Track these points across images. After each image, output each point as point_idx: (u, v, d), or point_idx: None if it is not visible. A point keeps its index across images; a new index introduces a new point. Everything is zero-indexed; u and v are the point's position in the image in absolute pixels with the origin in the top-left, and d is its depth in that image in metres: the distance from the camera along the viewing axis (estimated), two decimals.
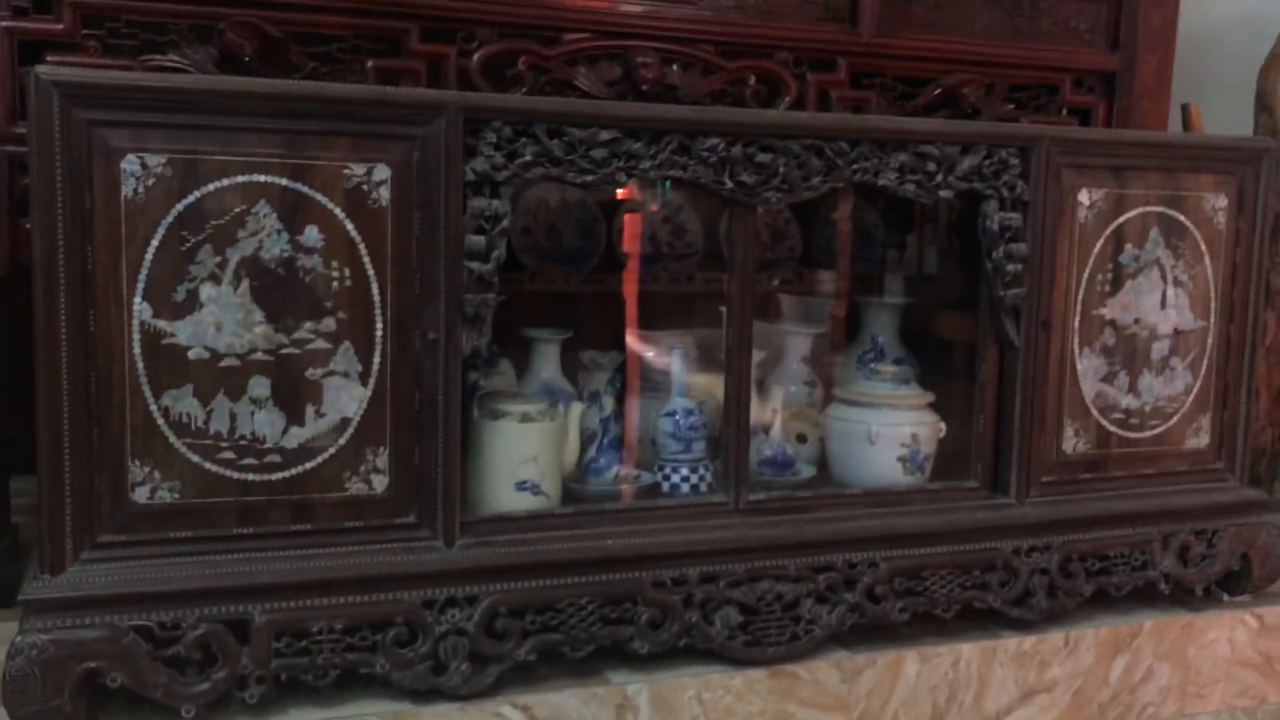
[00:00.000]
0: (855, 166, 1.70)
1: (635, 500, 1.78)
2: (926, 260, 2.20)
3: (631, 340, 2.03)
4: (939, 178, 1.74)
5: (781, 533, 1.69)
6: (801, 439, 2.00)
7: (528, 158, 1.52)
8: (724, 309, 1.71)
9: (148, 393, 1.39)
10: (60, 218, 1.33)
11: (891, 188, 1.72)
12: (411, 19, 1.91)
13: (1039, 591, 1.81)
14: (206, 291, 1.40)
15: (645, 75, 2.03)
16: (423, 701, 1.50)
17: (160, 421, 1.40)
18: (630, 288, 2.09)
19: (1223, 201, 1.92)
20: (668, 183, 2.11)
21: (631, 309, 2.09)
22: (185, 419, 1.41)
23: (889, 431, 1.85)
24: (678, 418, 1.83)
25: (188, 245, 1.39)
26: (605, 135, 1.56)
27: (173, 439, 1.41)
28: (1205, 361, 1.94)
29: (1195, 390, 1.94)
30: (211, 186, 1.39)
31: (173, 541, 1.42)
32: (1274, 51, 2.57)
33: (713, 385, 1.86)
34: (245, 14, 1.79)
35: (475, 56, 1.95)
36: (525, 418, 1.66)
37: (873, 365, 2.01)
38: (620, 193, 2.11)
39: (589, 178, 1.56)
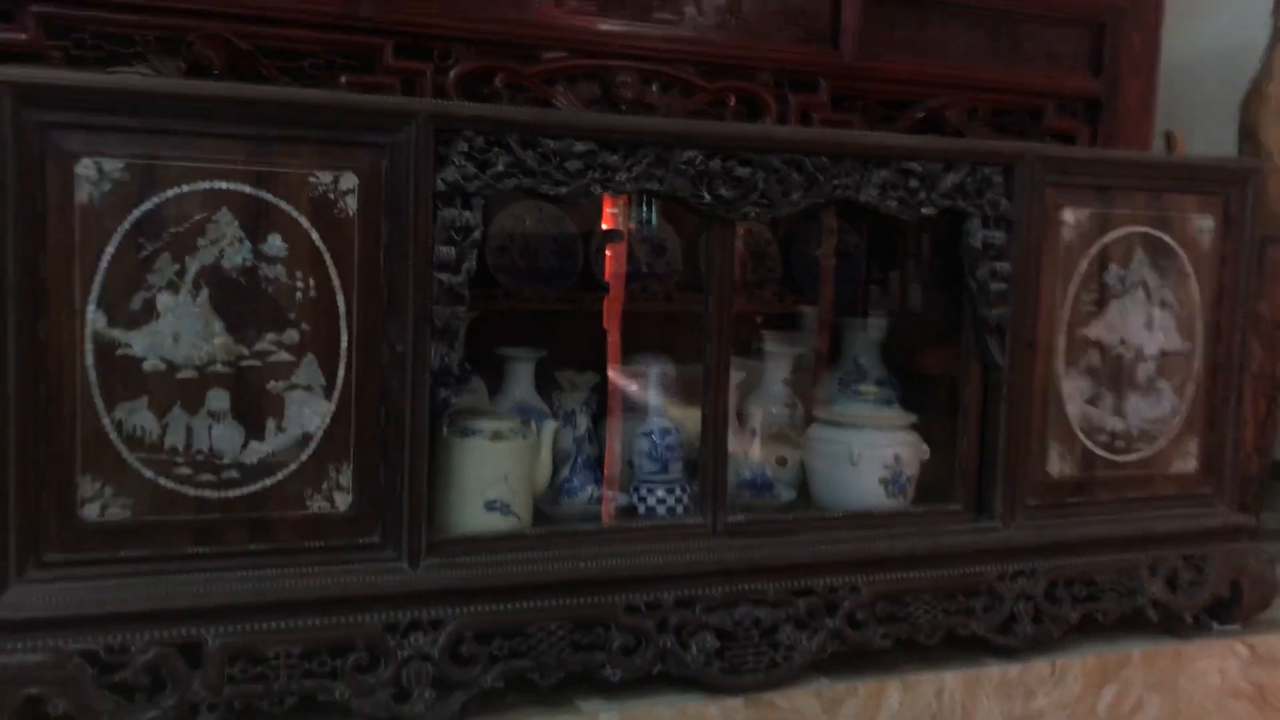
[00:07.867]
0: (836, 182, 1.67)
1: (609, 522, 1.72)
2: (909, 297, 2.16)
3: (609, 361, 1.98)
4: (921, 194, 1.71)
5: (760, 556, 1.64)
6: (781, 461, 1.96)
7: (500, 168, 1.49)
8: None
9: (100, 405, 1.34)
10: (10, 222, 1.28)
11: (873, 204, 1.69)
12: (386, 34, 1.89)
13: (1024, 618, 1.75)
14: (164, 301, 1.36)
15: (624, 94, 2.01)
16: None
17: (113, 435, 1.35)
18: (608, 308, 2.05)
19: (1209, 222, 1.89)
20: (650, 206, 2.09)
21: (610, 330, 2.04)
22: (139, 433, 1.36)
23: (871, 453, 1.80)
24: (654, 437, 1.78)
25: (145, 253, 1.34)
26: (580, 147, 1.53)
27: (125, 453, 1.35)
28: (1192, 384, 1.90)
29: (1182, 413, 1.90)
30: (171, 193, 1.35)
31: (123, 561, 1.36)
32: (1256, 81, 2.55)
33: (692, 409, 1.81)
34: (214, 26, 1.76)
35: (451, 73, 1.92)
36: (496, 435, 1.61)
37: (855, 387, 1.97)
38: (604, 221, 2.07)
39: (563, 189, 1.53)
